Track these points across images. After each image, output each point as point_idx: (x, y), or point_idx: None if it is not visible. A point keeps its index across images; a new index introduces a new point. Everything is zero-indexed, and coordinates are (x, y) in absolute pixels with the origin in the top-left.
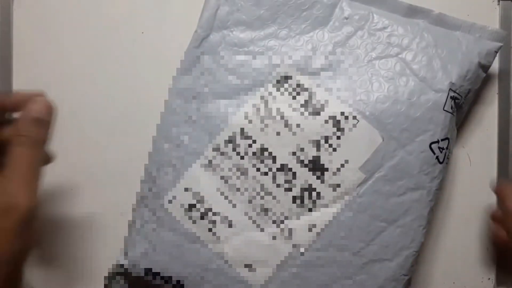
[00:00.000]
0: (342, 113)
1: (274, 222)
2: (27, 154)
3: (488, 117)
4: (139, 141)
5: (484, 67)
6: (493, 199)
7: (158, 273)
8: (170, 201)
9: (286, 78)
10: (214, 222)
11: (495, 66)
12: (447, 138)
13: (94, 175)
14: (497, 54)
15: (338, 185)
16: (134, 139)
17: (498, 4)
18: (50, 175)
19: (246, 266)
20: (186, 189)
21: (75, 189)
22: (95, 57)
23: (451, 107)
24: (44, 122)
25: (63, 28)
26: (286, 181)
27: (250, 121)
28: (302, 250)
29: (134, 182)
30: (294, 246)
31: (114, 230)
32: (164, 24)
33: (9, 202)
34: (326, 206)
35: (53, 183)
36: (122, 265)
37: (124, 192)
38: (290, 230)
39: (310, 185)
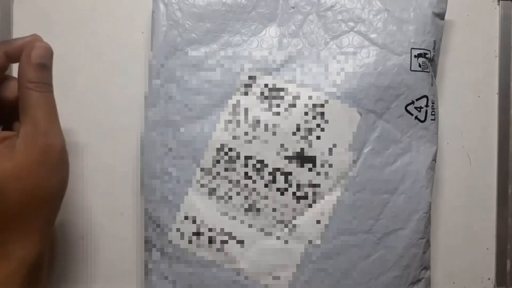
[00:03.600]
0: (316, 100)
1: (280, 225)
2: (47, 97)
3: (488, 117)
4: (138, 140)
5: (440, 15)
6: (493, 199)
7: None
8: (175, 235)
9: (252, 82)
10: (223, 242)
11: (495, 66)
12: (423, 96)
13: (94, 175)
14: (497, 54)
15: (332, 171)
16: (134, 139)
17: (498, 4)
18: None
19: (267, 275)
20: (186, 219)
21: (74, 189)
22: (95, 57)
23: (420, 65)
24: (48, 66)
25: (63, 28)
26: (280, 183)
27: (229, 135)
28: (315, 244)
29: (134, 181)
30: (306, 242)
31: (114, 230)
32: None
33: (47, 143)
34: (326, 194)
35: None
36: None
37: (124, 192)
38: (298, 228)
39: (305, 179)
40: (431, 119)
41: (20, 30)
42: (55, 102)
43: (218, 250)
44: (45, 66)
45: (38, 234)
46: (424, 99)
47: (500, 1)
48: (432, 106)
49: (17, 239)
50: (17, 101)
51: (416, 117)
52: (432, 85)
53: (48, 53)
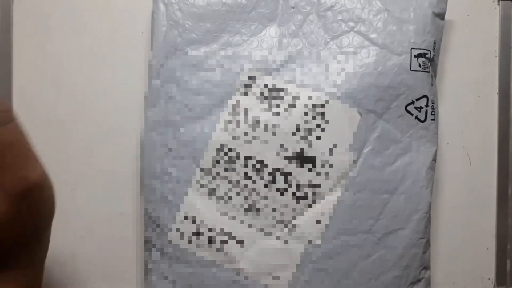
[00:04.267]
0: (316, 101)
1: (280, 225)
2: (6, 132)
3: (488, 117)
4: (138, 140)
5: (440, 15)
6: (493, 199)
7: None
8: (175, 235)
9: (252, 82)
10: (223, 242)
11: (495, 66)
12: (423, 96)
13: (94, 175)
14: (497, 54)
15: (332, 171)
16: (134, 139)
17: (498, 4)
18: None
19: (267, 275)
20: (186, 219)
21: (74, 189)
22: (95, 57)
23: (420, 65)
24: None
25: (63, 28)
26: (280, 183)
27: (229, 134)
28: (315, 244)
29: (134, 181)
30: (306, 242)
31: (114, 230)
32: None
33: (23, 183)
34: (326, 194)
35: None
36: None
37: (124, 192)
38: (298, 228)
39: (305, 179)
40: (431, 119)
41: (20, 30)
42: (22, 133)
43: (218, 250)
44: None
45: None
46: (424, 99)
47: (500, 1)
48: (432, 106)
49: (10, 274)
50: None
51: (416, 117)
52: (432, 85)
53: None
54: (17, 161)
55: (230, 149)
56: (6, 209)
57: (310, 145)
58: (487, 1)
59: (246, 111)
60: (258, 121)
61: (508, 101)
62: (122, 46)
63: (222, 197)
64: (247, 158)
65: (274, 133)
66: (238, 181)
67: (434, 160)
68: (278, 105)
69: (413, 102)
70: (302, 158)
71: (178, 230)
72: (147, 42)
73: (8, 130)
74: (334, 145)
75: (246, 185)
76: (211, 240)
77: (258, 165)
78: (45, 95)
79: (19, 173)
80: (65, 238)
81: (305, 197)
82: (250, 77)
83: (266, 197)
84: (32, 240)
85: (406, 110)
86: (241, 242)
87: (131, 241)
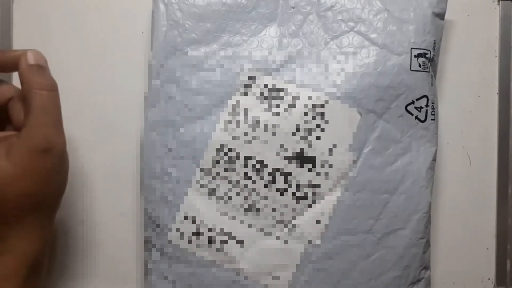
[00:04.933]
0: (316, 101)
1: (280, 225)
2: (50, 97)
3: (488, 117)
4: (138, 140)
5: (440, 15)
6: (493, 199)
7: None
8: (175, 235)
9: (252, 82)
10: (223, 242)
11: (495, 66)
12: (423, 96)
13: (94, 175)
14: (497, 54)
15: (332, 171)
16: (134, 139)
17: (498, 4)
18: None
19: (267, 275)
20: (186, 219)
21: (74, 189)
22: (95, 57)
23: (420, 65)
24: (45, 68)
25: (63, 28)
26: (280, 183)
27: (229, 134)
28: (315, 244)
29: (134, 181)
30: (306, 242)
31: (114, 230)
32: None
33: (47, 146)
34: (326, 194)
35: None
36: None
37: (124, 192)
38: (298, 228)
39: (305, 179)
40: (431, 119)
41: (20, 30)
42: (59, 103)
43: (218, 250)
44: (43, 68)
45: (37, 232)
46: (424, 99)
47: (500, 1)
48: (432, 106)
49: (17, 235)
50: (5, 106)
51: (416, 117)
52: (432, 85)
53: (42, 56)
54: (47, 124)
55: (230, 149)
56: (27, 163)
57: (310, 145)
58: (487, 1)
59: (246, 111)
60: (258, 121)
61: (508, 101)
62: (122, 46)
63: (222, 197)
64: (247, 158)
65: (274, 133)
66: (238, 181)
67: (434, 160)
68: (278, 105)
69: (413, 102)
70: (302, 158)
71: (178, 230)
72: (147, 42)
73: (50, 96)
74: (334, 145)
75: (246, 185)
76: (211, 240)
77: (258, 165)
78: None
79: (46, 134)
80: (65, 239)
81: (305, 197)
82: (250, 77)
83: (266, 197)
84: (41, 208)
85: (406, 110)
86: (241, 242)
87: (131, 241)
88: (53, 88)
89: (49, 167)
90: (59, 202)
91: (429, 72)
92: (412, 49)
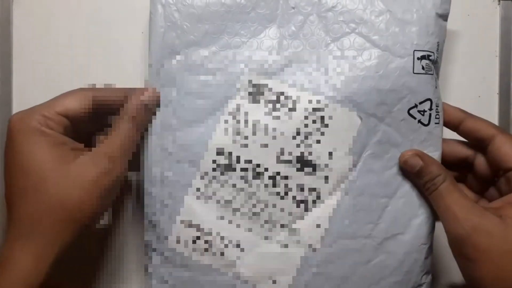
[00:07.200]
0: (316, 105)
1: (280, 229)
2: (132, 132)
3: (488, 117)
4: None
5: (443, 16)
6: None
7: None
8: (174, 240)
9: (251, 85)
10: (221, 247)
11: (495, 66)
12: (427, 99)
13: None
14: (497, 54)
15: (332, 175)
16: None
17: (498, 4)
18: None
19: (267, 279)
20: (185, 224)
21: None
22: (95, 57)
23: (423, 67)
24: (151, 110)
25: (63, 28)
26: (280, 187)
27: (228, 138)
28: (315, 248)
29: (133, 185)
30: (306, 246)
31: (114, 232)
32: None
33: (110, 167)
34: (325, 199)
35: None
36: None
37: (124, 194)
38: (298, 233)
39: (304, 183)
40: (435, 123)
41: (20, 30)
42: (137, 140)
43: (217, 254)
44: (149, 108)
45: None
46: (428, 102)
47: (500, 1)
48: (437, 109)
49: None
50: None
51: (419, 121)
52: (436, 87)
53: (156, 98)
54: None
55: (230, 153)
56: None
57: (310, 149)
58: (487, 1)
59: (245, 115)
60: (257, 125)
61: (508, 101)
62: (122, 46)
63: (221, 201)
64: (247, 162)
65: (274, 137)
66: (237, 185)
67: None
68: (278, 109)
69: (416, 106)
70: (302, 162)
71: (177, 234)
72: (147, 42)
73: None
74: (334, 149)
75: (245, 189)
76: (210, 245)
77: (258, 169)
78: (45, 95)
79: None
80: None
81: (305, 201)
82: (249, 80)
83: (265, 201)
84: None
85: (409, 114)
86: (240, 246)
87: (131, 245)
88: (140, 128)
89: (105, 185)
90: (89, 222)
91: (432, 74)
92: (415, 51)
